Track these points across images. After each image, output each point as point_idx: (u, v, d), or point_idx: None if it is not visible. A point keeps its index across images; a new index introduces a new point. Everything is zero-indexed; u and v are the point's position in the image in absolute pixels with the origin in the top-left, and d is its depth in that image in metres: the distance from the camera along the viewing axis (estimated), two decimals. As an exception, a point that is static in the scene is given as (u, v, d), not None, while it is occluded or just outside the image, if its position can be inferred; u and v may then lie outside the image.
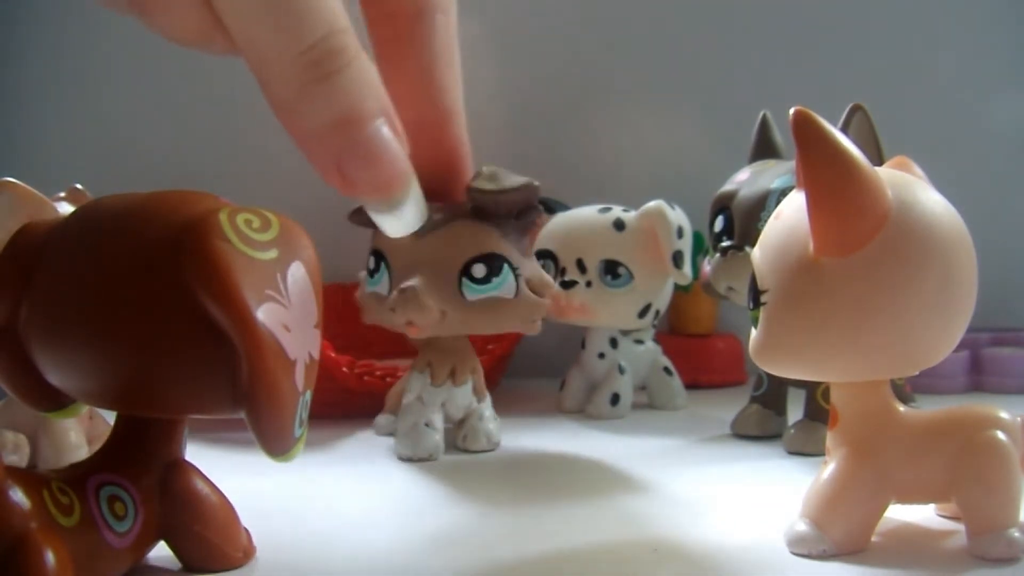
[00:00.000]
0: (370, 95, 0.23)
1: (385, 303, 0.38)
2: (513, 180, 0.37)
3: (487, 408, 0.42)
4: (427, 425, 0.40)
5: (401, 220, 0.26)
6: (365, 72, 0.23)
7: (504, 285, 0.37)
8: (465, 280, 0.37)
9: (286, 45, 0.22)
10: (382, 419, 0.46)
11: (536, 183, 0.37)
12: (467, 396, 0.41)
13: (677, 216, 0.48)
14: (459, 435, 0.42)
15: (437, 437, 0.40)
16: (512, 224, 0.38)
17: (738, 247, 0.41)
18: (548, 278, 0.39)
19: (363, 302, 0.41)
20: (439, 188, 0.36)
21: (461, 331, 0.39)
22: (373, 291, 0.40)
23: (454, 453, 0.41)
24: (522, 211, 0.38)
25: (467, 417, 0.42)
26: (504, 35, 0.69)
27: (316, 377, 0.25)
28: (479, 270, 0.37)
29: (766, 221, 0.27)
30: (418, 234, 0.37)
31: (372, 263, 0.40)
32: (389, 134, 0.24)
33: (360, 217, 0.38)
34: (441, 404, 0.41)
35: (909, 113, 0.59)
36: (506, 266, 0.37)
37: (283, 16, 0.22)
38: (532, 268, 0.39)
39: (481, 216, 0.37)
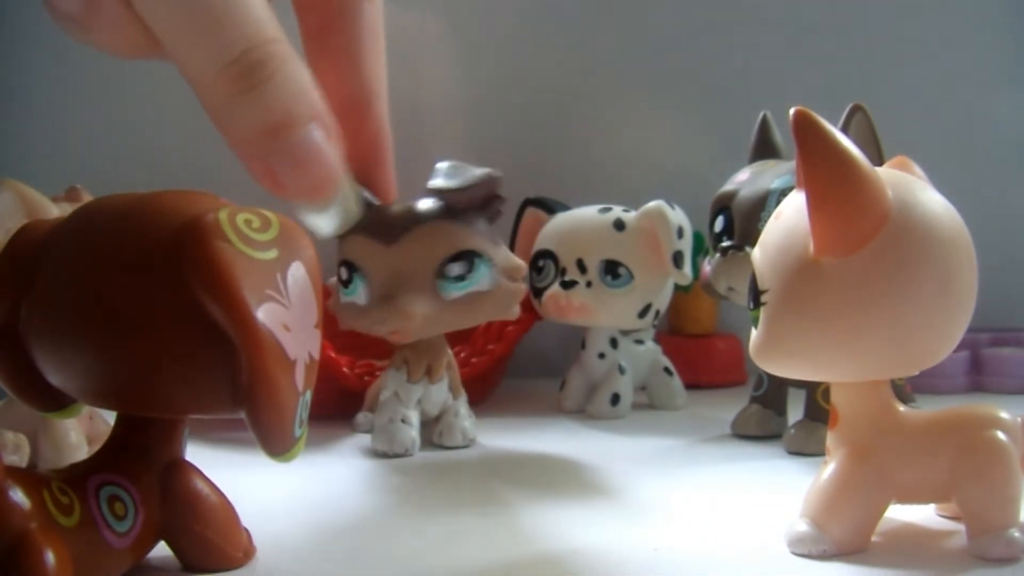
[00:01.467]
0: (300, 101, 0.23)
1: (368, 315, 0.38)
2: (474, 174, 0.37)
3: (462, 405, 0.43)
4: (403, 421, 0.40)
5: (332, 221, 0.26)
6: (294, 79, 0.23)
7: (480, 279, 0.38)
8: (441, 281, 0.37)
9: (210, 58, 0.22)
10: (362, 417, 0.47)
11: (497, 173, 0.38)
12: (443, 393, 0.42)
13: (677, 216, 0.48)
14: (435, 431, 0.43)
15: (413, 433, 0.41)
16: (478, 216, 0.38)
17: (738, 247, 0.41)
18: (519, 261, 0.40)
19: (339, 311, 0.40)
20: (362, 170, 0.36)
21: (444, 330, 0.39)
22: (349, 300, 0.39)
23: (432, 449, 0.42)
24: (486, 202, 0.38)
25: (443, 414, 0.43)
26: (507, 34, 0.69)
27: (316, 377, 0.25)
28: (454, 269, 0.37)
29: (766, 221, 0.27)
30: (387, 241, 0.37)
31: (344, 273, 0.39)
32: (320, 138, 0.24)
33: None
34: (417, 401, 0.41)
35: (909, 113, 0.59)
36: (478, 260, 0.37)
37: (205, 30, 0.22)
38: (504, 256, 0.39)
39: (449, 214, 0.37)
